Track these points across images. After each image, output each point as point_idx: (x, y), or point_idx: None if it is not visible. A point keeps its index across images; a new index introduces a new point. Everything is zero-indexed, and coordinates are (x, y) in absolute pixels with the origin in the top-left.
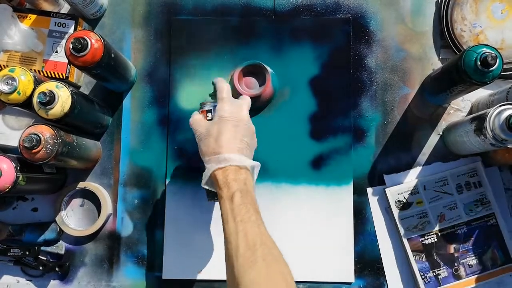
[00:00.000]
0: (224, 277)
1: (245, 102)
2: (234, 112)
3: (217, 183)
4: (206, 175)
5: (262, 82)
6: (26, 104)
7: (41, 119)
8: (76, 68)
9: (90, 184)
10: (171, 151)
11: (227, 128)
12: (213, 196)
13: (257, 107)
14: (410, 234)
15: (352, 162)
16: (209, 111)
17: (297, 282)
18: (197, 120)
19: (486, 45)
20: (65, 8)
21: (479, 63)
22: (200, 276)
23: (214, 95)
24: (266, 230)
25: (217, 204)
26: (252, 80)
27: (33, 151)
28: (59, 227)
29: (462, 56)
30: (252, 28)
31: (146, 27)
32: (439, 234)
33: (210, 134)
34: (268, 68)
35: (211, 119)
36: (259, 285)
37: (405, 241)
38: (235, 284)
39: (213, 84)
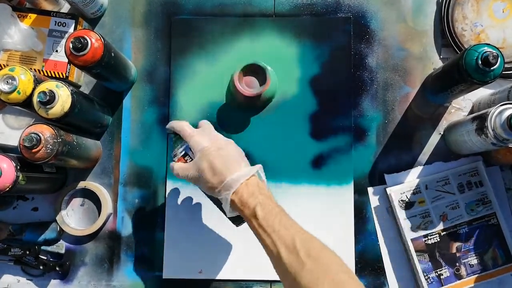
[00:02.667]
0: (224, 277)
1: (207, 126)
2: (207, 138)
3: (237, 207)
4: (226, 205)
5: (262, 81)
6: (26, 104)
7: (41, 118)
8: (76, 68)
9: (90, 183)
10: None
11: (213, 156)
12: (240, 220)
13: (258, 106)
14: (413, 234)
15: (353, 161)
16: (185, 154)
17: None
18: (182, 167)
19: (487, 44)
20: (65, 8)
21: (480, 62)
22: (200, 276)
23: (178, 139)
24: (296, 223)
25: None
26: (252, 80)
27: (33, 150)
28: (60, 227)
29: (463, 55)
30: (253, 28)
31: (146, 26)
32: (442, 233)
33: (203, 170)
34: (269, 68)
35: (192, 160)
36: (318, 283)
37: (408, 241)
38: None
39: (169, 131)
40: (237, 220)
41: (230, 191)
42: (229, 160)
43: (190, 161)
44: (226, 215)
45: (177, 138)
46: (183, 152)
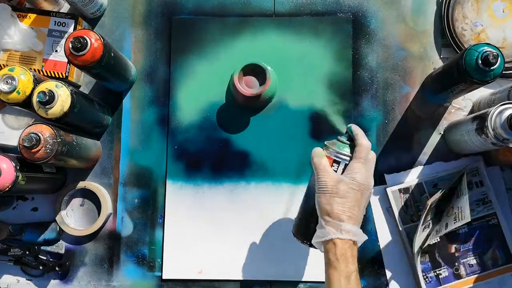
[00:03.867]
0: (224, 277)
1: (373, 163)
2: (367, 179)
3: (334, 251)
4: (322, 237)
5: (262, 81)
6: (26, 104)
7: (40, 118)
8: (75, 68)
9: (90, 183)
10: (171, 151)
11: (355, 195)
12: (312, 246)
13: (258, 106)
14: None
15: None
16: (337, 162)
17: (297, 282)
18: (325, 167)
19: (488, 44)
20: (65, 8)
21: (480, 62)
22: (200, 276)
23: (349, 145)
24: None
25: (219, 204)
26: (252, 80)
27: (33, 150)
28: (59, 227)
29: (463, 55)
30: (252, 28)
31: (146, 26)
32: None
33: (337, 193)
34: (269, 68)
35: (336, 170)
36: None
37: (408, 241)
38: None
39: (349, 129)
40: (309, 243)
41: (339, 235)
42: (360, 210)
43: (335, 169)
44: (307, 235)
45: (348, 144)
46: (338, 160)
